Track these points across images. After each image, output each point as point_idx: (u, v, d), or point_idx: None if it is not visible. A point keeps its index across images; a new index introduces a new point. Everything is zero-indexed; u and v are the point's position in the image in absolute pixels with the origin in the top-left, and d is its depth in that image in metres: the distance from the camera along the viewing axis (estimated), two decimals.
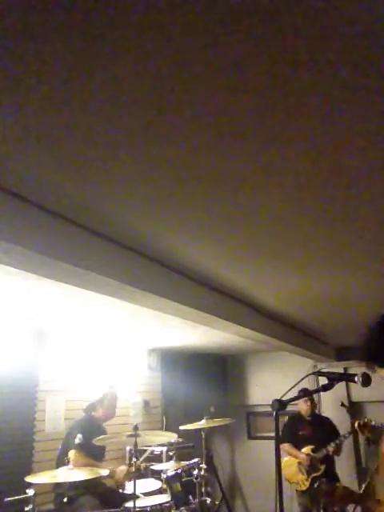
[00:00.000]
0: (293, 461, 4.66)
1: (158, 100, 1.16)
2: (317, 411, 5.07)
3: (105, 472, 3.19)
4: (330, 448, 4.48)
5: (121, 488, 3.65)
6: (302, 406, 4.88)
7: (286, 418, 5.08)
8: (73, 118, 1.23)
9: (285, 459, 4.74)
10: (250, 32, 0.96)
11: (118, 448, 4.34)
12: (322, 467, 4.52)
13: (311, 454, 4.58)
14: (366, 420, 4.40)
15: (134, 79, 1.09)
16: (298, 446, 4.70)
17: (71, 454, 3.46)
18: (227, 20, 0.92)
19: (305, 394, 2.05)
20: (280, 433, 4.69)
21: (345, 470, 5.24)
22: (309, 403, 4.81)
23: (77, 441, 3.53)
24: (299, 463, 4.61)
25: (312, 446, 4.62)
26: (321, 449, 4.55)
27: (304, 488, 4.53)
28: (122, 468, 3.76)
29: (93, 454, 3.58)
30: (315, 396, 5.09)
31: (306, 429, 4.79)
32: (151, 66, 1.04)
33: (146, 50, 0.99)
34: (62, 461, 3.43)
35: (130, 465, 3.66)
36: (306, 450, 4.63)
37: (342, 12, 0.91)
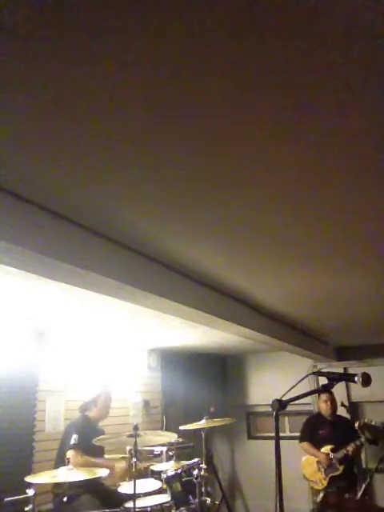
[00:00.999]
0: (312, 459, 4.66)
1: (157, 101, 1.16)
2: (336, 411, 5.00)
3: (104, 472, 3.19)
4: (350, 448, 4.45)
5: (118, 484, 3.64)
6: (322, 406, 4.82)
7: (287, 418, 5.06)
8: (73, 118, 1.23)
9: (304, 457, 4.76)
10: (248, 32, 0.96)
11: (117, 448, 4.33)
12: (341, 467, 4.49)
13: (331, 453, 4.56)
14: (365, 420, 4.40)
15: (134, 80, 1.09)
16: (317, 446, 4.67)
17: (69, 454, 3.46)
18: (225, 22, 0.92)
19: (304, 394, 2.06)
20: (282, 431, 4.73)
21: None
22: (329, 403, 4.75)
23: (72, 441, 3.54)
24: (318, 462, 4.61)
25: (331, 446, 4.59)
26: (340, 449, 4.52)
27: (322, 487, 4.52)
28: (122, 465, 3.76)
29: (91, 452, 3.58)
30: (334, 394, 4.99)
31: (325, 429, 4.75)
32: (151, 67, 1.04)
33: (148, 52, 0.99)
34: (60, 462, 3.43)
35: (130, 465, 3.66)
36: (325, 449, 4.61)
37: (334, 13, 0.91)
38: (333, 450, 4.56)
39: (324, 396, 4.75)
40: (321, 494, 4.09)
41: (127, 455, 3.74)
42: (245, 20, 0.92)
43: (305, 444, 4.76)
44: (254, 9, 0.90)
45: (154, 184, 1.61)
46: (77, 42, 0.97)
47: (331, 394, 4.72)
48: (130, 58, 1.02)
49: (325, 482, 4.52)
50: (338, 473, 4.48)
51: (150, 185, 1.61)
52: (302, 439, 4.81)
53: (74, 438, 3.55)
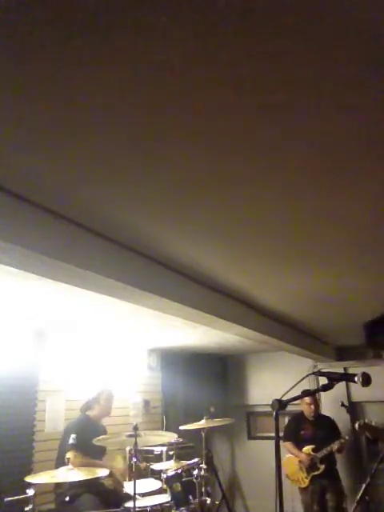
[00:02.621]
0: (294, 459, 4.79)
1: (158, 100, 1.16)
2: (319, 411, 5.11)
3: (104, 472, 3.19)
4: (335, 446, 4.58)
5: (119, 487, 3.64)
6: (305, 408, 4.95)
7: (287, 418, 5.15)
8: (73, 118, 1.23)
9: (286, 457, 4.85)
10: (249, 32, 0.96)
11: (117, 448, 4.33)
12: (322, 466, 4.64)
13: (312, 453, 4.69)
14: (365, 420, 4.44)
15: (133, 80, 1.09)
16: (299, 446, 4.81)
17: (69, 454, 3.47)
18: (227, 22, 0.92)
19: (305, 394, 2.06)
20: (282, 431, 4.83)
21: (345, 470, 5.26)
22: (312, 406, 4.88)
23: (70, 441, 3.54)
24: (300, 461, 4.73)
25: (312, 446, 4.72)
26: (321, 449, 4.64)
27: (304, 485, 4.68)
28: (120, 466, 3.76)
29: (90, 452, 3.58)
30: (316, 396, 5.14)
31: (307, 429, 4.89)
32: (152, 67, 1.04)
33: (149, 51, 0.99)
34: (60, 462, 3.43)
35: (130, 466, 3.67)
36: (306, 449, 4.75)
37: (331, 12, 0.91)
38: (314, 450, 4.70)
39: (308, 399, 4.89)
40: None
41: (126, 455, 3.74)
42: (246, 20, 0.92)
43: (287, 444, 4.89)
44: (255, 9, 0.90)
45: (154, 184, 1.61)
46: (78, 42, 0.97)
47: (315, 397, 4.90)
48: (131, 58, 1.02)
49: (307, 481, 4.68)
50: (319, 472, 4.63)
51: (150, 185, 1.61)
52: (284, 439, 4.93)
53: (72, 438, 3.55)
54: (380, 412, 5.40)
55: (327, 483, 4.62)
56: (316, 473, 4.63)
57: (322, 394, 5.26)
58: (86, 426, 3.79)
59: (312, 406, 4.89)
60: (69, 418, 4.11)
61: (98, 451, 3.70)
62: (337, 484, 4.69)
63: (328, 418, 5.07)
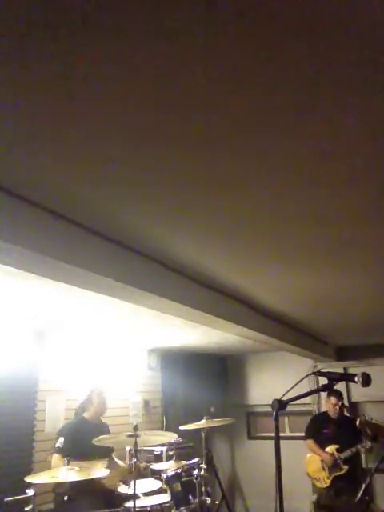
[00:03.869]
0: (317, 457, 4.72)
1: (157, 99, 1.16)
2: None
3: (104, 473, 3.19)
4: (354, 450, 4.50)
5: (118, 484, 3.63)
6: (330, 407, 4.86)
7: (287, 418, 5.10)
8: (74, 118, 1.23)
9: (309, 455, 4.81)
10: (250, 32, 0.96)
11: (117, 448, 4.33)
12: (345, 467, 4.53)
13: (336, 453, 4.60)
14: (365, 417, 4.43)
15: (135, 80, 1.09)
16: (322, 444, 4.73)
17: (53, 458, 3.45)
18: (228, 22, 0.92)
19: (306, 394, 2.06)
20: (281, 432, 4.79)
21: None
22: (337, 407, 4.78)
23: (57, 444, 3.52)
24: (322, 461, 4.66)
25: (336, 446, 4.63)
26: (346, 449, 4.55)
27: (325, 485, 4.58)
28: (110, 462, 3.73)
29: (84, 455, 3.53)
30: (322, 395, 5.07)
31: (330, 428, 4.80)
32: (153, 67, 1.04)
33: (149, 51, 0.99)
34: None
35: (131, 466, 3.66)
36: (331, 449, 4.65)
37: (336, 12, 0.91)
38: (338, 450, 4.60)
39: (333, 400, 4.79)
40: (314, 496, 4.13)
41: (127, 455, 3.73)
42: (247, 20, 0.92)
43: (310, 442, 4.83)
44: (256, 9, 0.90)
45: (154, 184, 1.61)
46: (78, 42, 0.97)
47: (341, 398, 4.79)
48: (131, 58, 1.02)
49: (328, 481, 4.58)
50: (341, 472, 4.53)
51: (150, 185, 1.61)
52: (306, 437, 4.88)
53: (59, 442, 3.53)
54: (380, 412, 5.39)
55: (345, 484, 4.48)
56: (338, 473, 4.53)
57: (321, 393, 5.25)
58: (81, 428, 3.76)
59: (337, 407, 4.78)
60: (69, 418, 4.11)
61: (96, 453, 3.66)
62: (356, 488, 4.60)
63: (350, 418, 4.92)
